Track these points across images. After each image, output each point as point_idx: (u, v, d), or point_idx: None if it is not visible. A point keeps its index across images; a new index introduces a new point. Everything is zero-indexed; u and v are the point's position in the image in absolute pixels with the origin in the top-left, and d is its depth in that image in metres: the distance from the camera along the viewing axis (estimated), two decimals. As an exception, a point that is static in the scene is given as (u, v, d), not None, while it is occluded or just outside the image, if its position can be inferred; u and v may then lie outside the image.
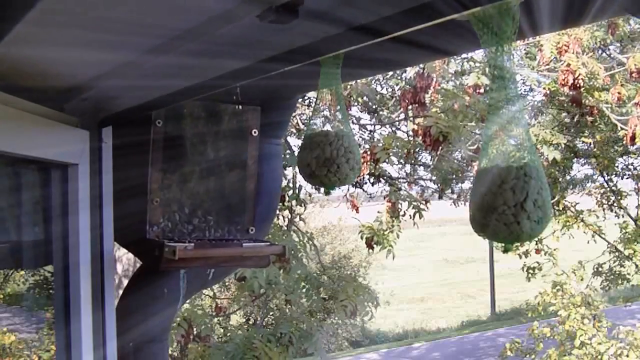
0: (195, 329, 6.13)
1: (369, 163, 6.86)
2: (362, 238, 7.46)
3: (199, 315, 6.26)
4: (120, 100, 2.10)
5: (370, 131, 8.98)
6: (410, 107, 6.71)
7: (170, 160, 2.30)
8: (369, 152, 6.81)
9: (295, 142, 7.86)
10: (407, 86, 7.04)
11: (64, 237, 2.13)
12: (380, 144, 6.88)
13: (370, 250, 7.60)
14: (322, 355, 6.28)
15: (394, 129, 8.60)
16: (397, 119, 8.23)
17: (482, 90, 6.83)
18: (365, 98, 8.30)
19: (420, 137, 6.43)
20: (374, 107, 8.78)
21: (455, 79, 8.10)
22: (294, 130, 7.79)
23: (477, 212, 1.22)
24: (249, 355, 5.52)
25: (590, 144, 10.36)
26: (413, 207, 7.65)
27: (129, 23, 1.34)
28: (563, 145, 8.58)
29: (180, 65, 1.62)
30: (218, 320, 8.80)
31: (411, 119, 7.05)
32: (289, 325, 6.04)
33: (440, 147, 6.39)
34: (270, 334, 5.96)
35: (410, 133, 7.45)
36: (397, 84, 8.51)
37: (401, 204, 7.64)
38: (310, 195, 8.61)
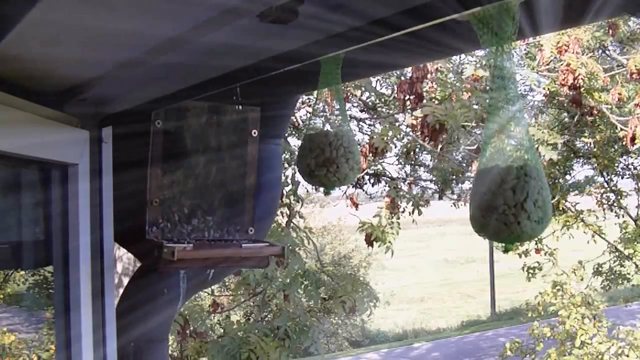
0: (191, 325, 6.13)
1: (367, 156, 6.82)
2: (361, 233, 7.45)
3: (196, 312, 6.26)
4: (120, 100, 2.09)
5: (370, 125, 8.98)
6: (408, 99, 6.65)
7: (169, 160, 2.29)
8: (367, 145, 6.77)
9: (295, 142, 7.85)
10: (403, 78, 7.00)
11: (64, 237, 2.13)
12: (378, 135, 6.83)
13: (370, 248, 7.59)
14: (319, 350, 6.26)
15: (394, 124, 8.59)
16: (395, 113, 8.21)
17: (479, 83, 6.80)
18: (365, 95, 8.28)
19: (419, 129, 6.38)
20: (372, 104, 8.78)
21: (454, 73, 8.09)
22: (294, 131, 7.78)
23: (478, 212, 1.22)
24: (245, 350, 5.50)
25: (590, 144, 10.36)
26: (412, 204, 7.65)
27: (129, 23, 1.34)
28: (561, 145, 8.58)
29: (180, 66, 1.62)
30: (218, 320, 8.79)
31: (409, 111, 7.00)
32: (286, 319, 6.02)
33: (439, 138, 6.32)
34: (266, 328, 5.94)
35: (409, 128, 7.42)
36: (396, 83, 8.50)
37: (400, 201, 7.63)
38: (308, 192, 8.60)
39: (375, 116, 8.83)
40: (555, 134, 8.02)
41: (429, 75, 6.61)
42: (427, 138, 6.34)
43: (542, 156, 7.22)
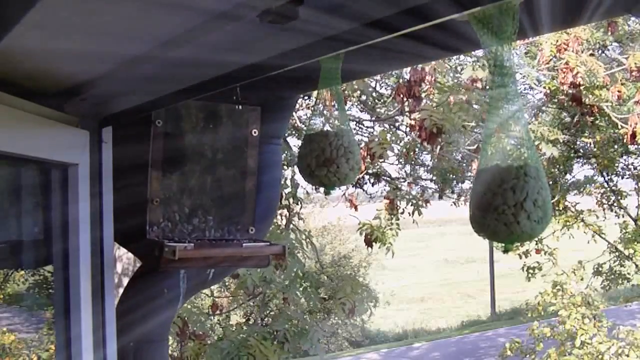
0: (191, 327, 6.12)
1: (365, 159, 6.81)
2: (361, 234, 7.45)
3: (194, 314, 6.25)
4: (120, 100, 2.09)
5: (368, 127, 8.98)
6: (406, 101, 6.65)
7: (170, 160, 2.30)
8: (365, 148, 6.78)
9: (295, 142, 7.85)
10: (402, 81, 6.99)
11: (64, 237, 2.13)
12: (377, 140, 6.83)
13: (370, 249, 7.58)
14: (319, 352, 6.26)
15: (393, 127, 8.59)
16: (394, 114, 8.21)
17: (478, 84, 6.79)
18: (363, 97, 8.28)
19: (417, 132, 6.39)
20: (371, 104, 8.77)
21: (452, 74, 8.09)
22: (294, 131, 7.78)
23: (477, 212, 1.22)
24: (244, 353, 5.50)
25: (590, 143, 10.35)
26: (412, 205, 7.64)
27: (129, 23, 1.34)
28: (561, 141, 8.57)
29: (180, 65, 1.62)
30: (218, 320, 8.79)
31: (407, 114, 7.00)
32: (285, 322, 6.02)
33: (436, 141, 6.34)
34: (265, 331, 5.94)
35: (408, 130, 7.41)
36: (395, 83, 8.49)
37: (400, 202, 7.62)
38: (308, 194, 8.60)
39: (374, 118, 8.83)
40: (556, 130, 8.01)
41: (427, 77, 6.59)
42: (425, 141, 6.36)
43: (543, 153, 7.21)
